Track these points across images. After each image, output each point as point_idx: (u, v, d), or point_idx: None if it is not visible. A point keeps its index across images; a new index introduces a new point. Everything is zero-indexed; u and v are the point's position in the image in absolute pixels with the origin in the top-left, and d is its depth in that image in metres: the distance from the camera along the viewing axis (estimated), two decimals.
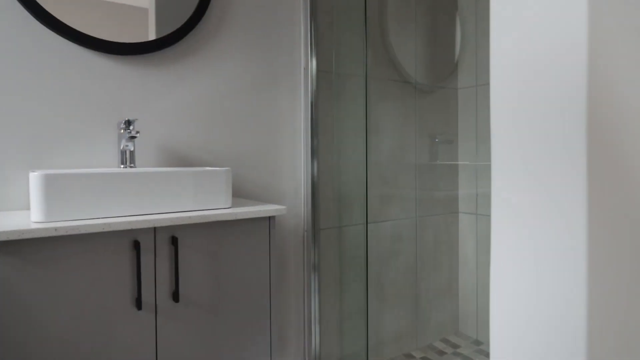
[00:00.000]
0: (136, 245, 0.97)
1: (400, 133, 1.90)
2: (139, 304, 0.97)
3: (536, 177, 0.85)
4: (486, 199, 2.00)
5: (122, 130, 1.19)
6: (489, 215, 1.99)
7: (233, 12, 1.47)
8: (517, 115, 0.88)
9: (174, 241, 1.02)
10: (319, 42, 1.65)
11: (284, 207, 1.18)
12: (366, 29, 1.78)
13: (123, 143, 1.19)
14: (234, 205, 1.22)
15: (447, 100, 2.08)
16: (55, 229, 0.87)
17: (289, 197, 1.60)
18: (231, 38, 1.47)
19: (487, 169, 2.00)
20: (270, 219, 1.19)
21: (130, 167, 1.20)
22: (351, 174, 1.76)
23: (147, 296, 1.00)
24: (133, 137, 1.16)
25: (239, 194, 1.49)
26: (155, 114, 1.34)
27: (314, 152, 1.61)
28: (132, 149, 1.19)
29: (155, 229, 1.01)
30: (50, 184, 0.90)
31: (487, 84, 1.98)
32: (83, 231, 0.90)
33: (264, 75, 1.54)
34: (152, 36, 1.32)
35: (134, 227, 0.95)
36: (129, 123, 1.18)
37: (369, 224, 1.81)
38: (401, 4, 1.90)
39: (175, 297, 1.02)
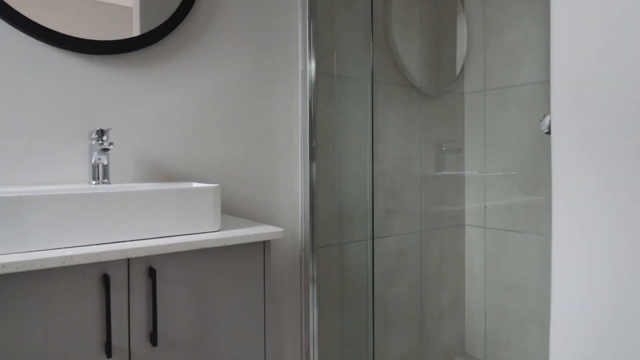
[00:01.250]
0: (105, 280, 0.82)
1: (405, 141, 1.76)
2: (108, 350, 0.82)
3: (605, 177, 0.71)
4: (495, 211, 1.87)
5: (93, 142, 1.03)
6: (497, 229, 1.86)
7: (223, 8, 1.32)
8: (584, 108, 0.74)
9: (151, 273, 0.87)
10: (319, 42, 1.50)
11: (280, 229, 1.02)
12: (372, 28, 1.63)
13: (95, 156, 1.03)
14: (223, 226, 1.06)
15: (453, 105, 1.95)
16: (3, 265, 0.71)
17: (284, 213, 1.45)
18: (221, 36, 1.32)
19: (496, 179, 1.86)
20: (264, 243, 1.03)
21: (104, 183, 1.04)
22: (353, 186, 1.61)
23: (118, 340, 0.84)
24: (106, 150, 1.00)
25: (229, 211, 1.33)
26: (134, 122, 1.18)
27: (313, 163, 1.46)
28: (105, 162, 1.04)
29: (128, 260, 0.85)
30: None
31: (497, 88, 1.85)
32: (38, 266, 0.74)
33: (258, 78, 1.38)
34: (134, 34, 1.16)
35: (102, 259, 0.80)
36: (101, 133, 1.02)
37: (374, 240, 1.66)
38: (405, 2, 1.76)
39: (153, 339, 0.86)
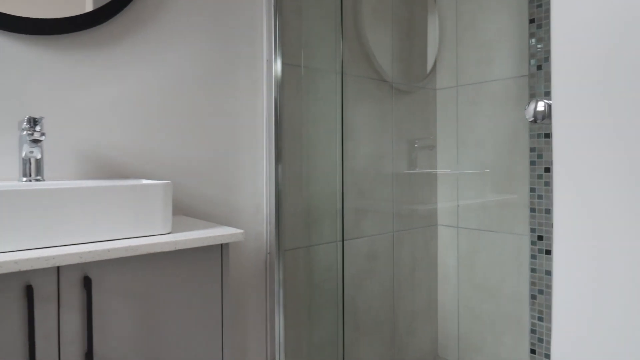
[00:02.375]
0: (29, 292, 0.69)
1: (376, 137, 1.69)
2: None
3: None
4: (468, 210, 1.82)
5: (24, 132, 0.90)
6: (471, 229, 1.81)
7: None
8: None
9: (86, 283, 0.75)
10: (285, 31, 1.40)
11: (240, 231, 0.92)
12: (342, 18, 1.55)
13: (26, 149, 0.90)
14: (176, 228, 0.95)
15: (426, 101, 1.89)
16: None
17: (248, 214, 1.34)
18: (179, 19, 1.20)
19: (469, 177, 1.82)
20: (222, 246, 0.93)
21: (37, 180, 0.91)
22: (322, 185, 1.52)
23: None
24: (37, 141, 0.88)
25: (187, 212, 1.22)
26: (77, 112, 1.05)
27: (279, 160, 1.36)
28: (38, 156, 0.91)
29: (58, 268, 0.73)
30: None
31: (469, 84, 1.80)
32: None
33: (220, 68, 1.28)
34: (77, 12, 1.03)
35: (23, 267, 0.67)
36: (33, 122, 0.89)
37: (344, 242, 1.58)
38: None
39: (89, 359, 0.75)
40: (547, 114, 0.70)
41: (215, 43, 1.27)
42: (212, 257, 0.91)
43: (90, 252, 0.73)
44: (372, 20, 1.66)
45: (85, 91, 1.06)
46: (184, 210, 1.21)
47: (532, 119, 0.74)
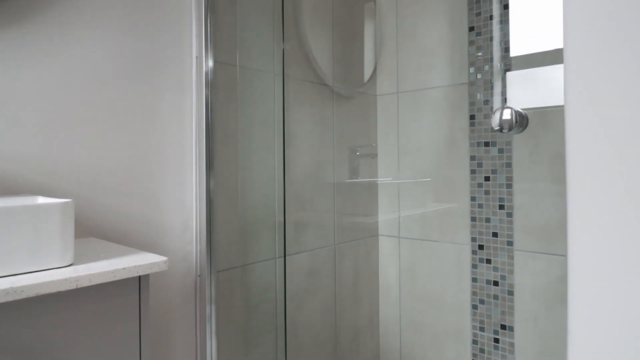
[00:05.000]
0: None
1: (317, 144, 1.58)
2: None
3: None
4: (409, 219, 1.78)
5: None
6: (412, 238, 1.77)
7: None
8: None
9: None
10: (218, 25, 1.25)
11: (163, 259, 0.76)
12: (283, 13, 1.43)
13: None
14: (81, 257, 0.77)
15: (367, 107, 1.82)
16: None
17: (174, 233, 1.17)
18: (88, 7, 1.01)
19: (410, 186, 1.77)
20: (141, 278, 0.76)
21: None
22: (260, 197, 1.38)
23: None
24: None
25: (99, 234, 1.02)
26: None
27: (210, 169, 1.21)
28: None
29: None
30: None
31: (410, 90, 1.76)
32: None
33: (140, 63, 1.10)
34: None
35: None
36: None
37: (284, 257, 1.45)
38: None
39: None
40: (514, 123, 0.64)
41: (134, 35, 1.09)
42: (128, 292, 0.74)
43: None
44: (313, 19, 1.56)
45: None
46: (95, 231, 1.02)
47: (498, 127, 0.67)
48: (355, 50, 1.78)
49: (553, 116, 1.43)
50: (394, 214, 1.82)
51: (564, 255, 1.42)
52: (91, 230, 1.01)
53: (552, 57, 1.41)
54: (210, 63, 1.20)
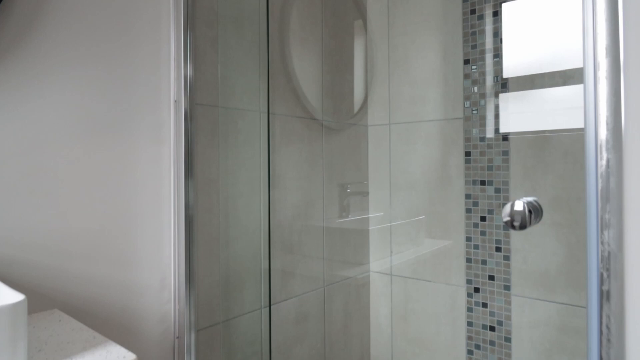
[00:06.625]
0: None
1: (305, 184, 1.50)
2: None
3: None
4: (401, 258, 1.70)
5: None
6: (404, 277, 1.69)
7: (63, 7, 0.92)
8: None
9: None
10: (198, 65, 1.17)
11: (132, 357, 0.67)
12: (268, 48, 1.34)
13: None
14: (36, 356, 0.67)
15: (357, 138, 1.74)
16: None
17: (151, 292, 1.08)
18: (57, 46, 0.91)
19: (403, 222, 1.70)
20: None
21: None
22: (245, 244, 1.30)
23: None
24: None
25: (66, 304, 0.92)
26: None
27: (190, 220, 1.12)
28: None
29: None
30: None
31: (403, 122, 1.69)
32: None
33: (113, 114, 1.00)
34: None
35: None
36: None
37: (270, 307, 1.36)
38: (305, 23, 1.51)
39: None
40: (528, 218, 0.57)
41: (107, 79, 0.99)
42: None
43: None
44: (301, 52, 1.48)
45: None
46: (60, 302, 0.92)
47: (508, 218, 0.60)
48: (346, 81, 1.71)
49: (552, 154, 1.36)
50: (386, 252, 1.74)
51: (564, 303, 1.36)
52: (55, 301, 0.91)
53: (548, 80, 1.35)
54: (190, 106, 1.12)
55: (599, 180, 0.50)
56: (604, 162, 0.50)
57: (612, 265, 0.50)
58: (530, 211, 0.57)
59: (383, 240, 1.75)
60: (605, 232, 0.50)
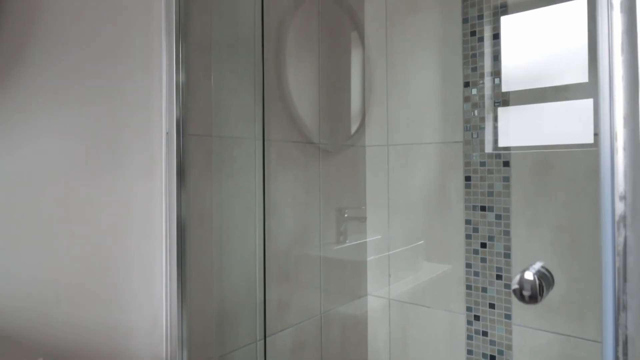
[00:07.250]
0: None
1: (302, 210, 1.46)
2: None
3: None
4: (400, 283, 1.67)
5: None
6: (403, 301, 1.66)
7: (52, 40, 0.88)
8: None
9: None
10: (192, 94, 1.13)
11: None
12: (263, 72, 1.30)
13: None
14: None
15: (355, 160, 1.71)
16: None
17: (142, 333, 1.03)
18: (47, 79, 0.87)
19: (402, 246, 1.67)
20: None
21: None
22: (239, 276, 1.26)
23: None
24: None
25: (51, 352, 0.88)
26: None
27: (183, 257, 1.08)
28: None
29: None
30: None
31: (401, 144, 1.66)
32: None
33: (102, 153, 0.96)
34: None
35: None
36: None
37: (265, 340, 1.32)
38: (302, 43, 1.47)
39: None
40: (538, 289, 0.53)
41: (97, 114, 0.95)
42: None
43: None
44: (297, 73, 1.45)
45: None
46: (45, 349, 0.88)
47: (517, 286, 0.57)
48: (343, 101, 1.67)
49: (555, 182, 1.33)
50: (384, 277, 1.71)
51: (566, 334, 1.33)
52: (40, 349, 0.87)
53: (547, 94, 1.31)
54: (182, 138, 1.08)
55: (616, 259, 0.47)
56: (621, 239, 0.47)
57: (629, 351, 0.47)
58: (541, 282, 0.53)
59: (381, 265, 1.72)
60: (623, 315, 0.47)
